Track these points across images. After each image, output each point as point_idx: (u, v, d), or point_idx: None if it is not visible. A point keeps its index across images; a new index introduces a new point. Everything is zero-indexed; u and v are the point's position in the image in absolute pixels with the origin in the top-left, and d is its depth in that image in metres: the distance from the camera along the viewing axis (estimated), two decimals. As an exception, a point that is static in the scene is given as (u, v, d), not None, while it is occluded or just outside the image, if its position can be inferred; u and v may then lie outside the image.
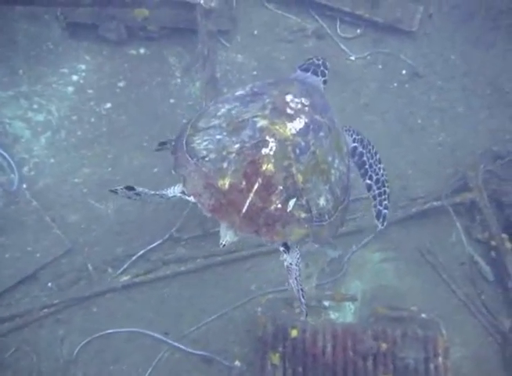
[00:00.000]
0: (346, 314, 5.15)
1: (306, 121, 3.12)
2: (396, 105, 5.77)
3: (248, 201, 3.02)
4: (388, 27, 6.04)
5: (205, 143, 3.21)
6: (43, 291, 5.00)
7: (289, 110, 3.15)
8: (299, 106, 3.18)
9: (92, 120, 5.59)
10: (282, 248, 3.27)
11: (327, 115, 3.28)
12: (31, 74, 5.62)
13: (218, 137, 3.17)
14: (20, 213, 5.12)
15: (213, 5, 5.56)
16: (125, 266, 5.11)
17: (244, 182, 3.03)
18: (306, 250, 4.84)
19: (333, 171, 3.19)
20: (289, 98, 3.21)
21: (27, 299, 4.96)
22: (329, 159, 3.17)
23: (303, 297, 3.31)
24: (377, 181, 3.73)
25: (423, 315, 4.81)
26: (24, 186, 5.24)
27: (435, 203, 5.22)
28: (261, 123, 3.10)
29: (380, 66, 5.99)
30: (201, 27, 5.54)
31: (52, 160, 5.39)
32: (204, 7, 5.53)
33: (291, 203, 3.05)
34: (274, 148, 3.02)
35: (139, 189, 3.51)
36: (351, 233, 5.23)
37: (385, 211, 3.74)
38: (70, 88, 5.66)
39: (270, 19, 6.14)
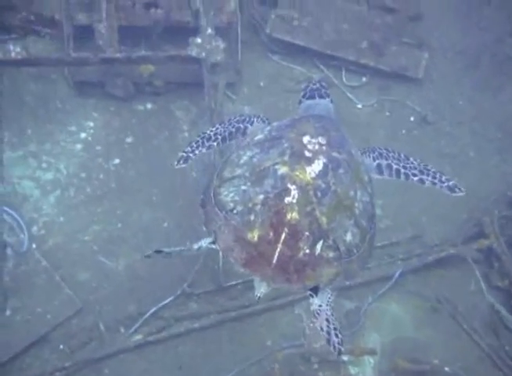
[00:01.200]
0: (366, 369, 5.00)
1: (324, 161, 3.16)
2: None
3: (277, 252, 3.04)
4: (394, 75, 6.06)
5: (231, 195, 3.24)
6: (54, 354, 4.91)
7: (307, 153, 3.18)
8: (316, 146, 3.21)
9: (101, 176, 5.58)
10: (309, 292, 3.27)
11: (345, 149, 3.32)
12: (40, 133, 5.65)
13: (243, 188, 3.21)
14: (30, 274, 5.08)
15: (218, 58, 5.60)
16: (137, 325, 5.02)
17: (272, 234, 3.05)
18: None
19: (356, 204, 3.21)
20: (306, 139, 3.24)
21: (38, 363, 4.86)
22: (352, 193, 3.20)
23: (337, 336, 3.24)
24: (421, 172, 3.71)
25: (447, 368, 4.67)
26: (34, 245, 5.20)
27: (452, 250, 5.14)
28: (282, 170, 3.13)
29: (387, 114, 5.99)
30: (207, 81, 5.56)
31: (61, 219, 5.36)
32: (210, 61, 5.58)
33: (319, 246, 3.08)
34: (296, 195, 3.06)
35: (166, 250, 3.49)
36: (366, 283, 5.14)
37: (451, 182, 3.67)
38: (79, 146, 5.68)
39: (275, 70, 6.19)
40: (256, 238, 3.08)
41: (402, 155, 3.72)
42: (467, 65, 6.17)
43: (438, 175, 3.68)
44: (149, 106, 5.94)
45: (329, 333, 3.25)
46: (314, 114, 3.72)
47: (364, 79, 6.10)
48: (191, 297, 5.16)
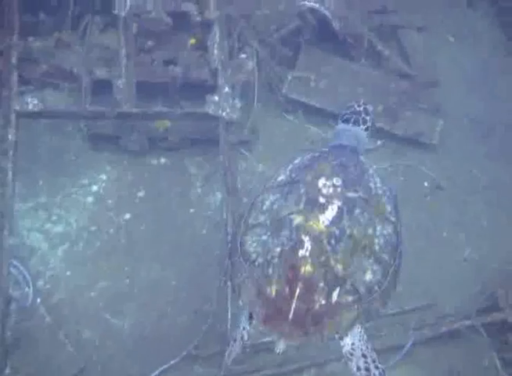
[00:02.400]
0: None
1: (339, 204, 3.17)
2: (419, 218, 5.67)
3: (293, 308, 3.03)
4: (408, 140, 6.07)
5: (254, 245, 3.26)
6: (55, 414, 4.77)
7: (321, 199, 3.19)
8: (331, 190, 3.21)
9: (111, 231, 5.52)
10: (336, 336, 3.22)
11: (362, 185, 3.31)
12: (51, 184, 5.62)
13: (264, 238, 3.23)
14: (34, 329, 4.95)
15: (235, 117, 5.62)
16: (140, 387, 4.87)
17: (287, 289, 3.05)
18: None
19: (376, 241, 3.20)
20: (321, 183, 3.24)
21: None
22: (370, 232, 3.20)
23: (377, 367, 3.24)
24: None
25: None
26: (39, 300, 5.09)
27: (466, 322, 5.02)
28: (297, 221, 3.15)
29: (401, 178, 5.96)
30: (222, 139, 5.56)
31: (68, 273, 5.27)
32: (226, 119, 5.60)
33: (335, 294, 3.07)
34: (309, 247, 3.06)
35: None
36: (377, 352, 5.00)
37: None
38: (90, 199, 5.64)
39: (290, 129, 6.20)
40: (274, 293, 3.08)
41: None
42: (482, 133, 6.18)
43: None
44: (162, 160, 5.93)
45: (367, 369, 3.23)
46: (337, 146, 3.72)
47: (379, 142, 6.10)
48: (197, 359, 5.02)
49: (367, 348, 3.27)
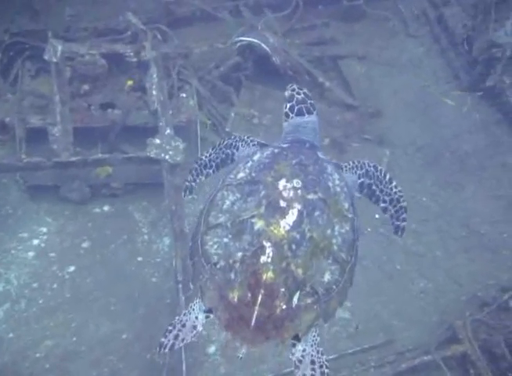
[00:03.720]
0: None
1: (299, 208, 3.14)
2: (372, 250, 5.60)
3: (255, 315, 3.00)
4: (356, 171, 6.00)
5: (215, 247, 3.20)
6: None
7: (282, 203, 3.16)
8: (291, 193, 3.18)
9: (55, 286, 5.26)
10: (292, 341, 3.17)
11: (321, 185, 3.29)
12: (-12, 241, 5.35)
13: (225, 240, 3.18)
14: (-26, 399, 4.66)
15: (178, 159, 5.48)
16: None
17: (249, 295, 3.02)
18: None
19: (334, 241, 3.20)
20: (281, 185, 3.21)
21: None
22: (329, 232, 3.19)
23: (323, 374, 3.21)
24: (391, 201, 3.69)
25: None
26: (-21, 367, 4.80)
27: (425, 357, 4.94)
28: (258, 225, 3.12)
29: (351, 211, 5.87)
30: (167, 182, 5.42)
31: (10, 335, 4.97)
32: (170, 162, 5.45)
33: (295, 298, 3.04)
34: (271, 253, 3.04)
35: (166, 341, 3.31)
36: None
37: (403, 223, 3.68)
38: (31, 253, 5.38)
39: (236, 167, 6.07)
40: (236, 299, 3.04)
41: (387, 177, 3.65)
42: (428, 161, 6.18)
43: (400, 212, 3.69)
44: (106, 208, 5.73)
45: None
46: (295, 142, 3.63)
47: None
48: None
49: (317, 352, 3.26)
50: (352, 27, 6.93)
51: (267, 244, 3.07)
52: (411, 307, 5.34)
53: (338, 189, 3.38)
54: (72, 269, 5.36)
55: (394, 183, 3.67)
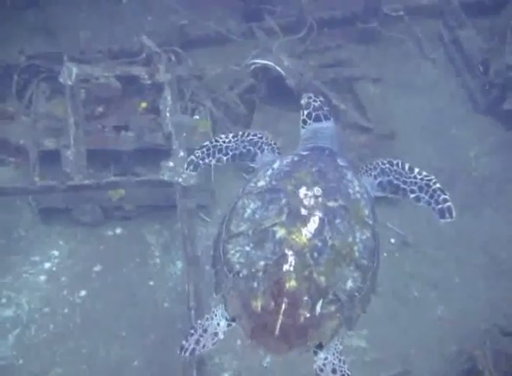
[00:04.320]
0: None
1: (320, 215, 3.16)
2: (389, 276, 5.48)
3: (279, 324, 3.01)
4: (372, 195, 5.93)
5: (238, 255, 3.23)
6: None
7: (303, 211, 3.18)
8: (312, 201, 3.21)
9: (66, 311, 5.20)
10: (313, 349, 3.19)
11: (342, 192, 3.29)
12: (0, 264, 5.30)
13: (247, 249, 3.21)
14: None
15: (192, 182, 5.42)
16: None
17: (273, 304, 3.03)
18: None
19: (356, 248, 3.21)
20: (302, 193, 3.22)
21: None
22: (350, 239, 3.20)
23: None
24: (421, 188, 3.61)
25: None
26: (-11, 394, 4.74)
27: (445, 389, 4.84)
28: (280, 233, 3.14)
29: (367, 235, 5.78)
30: (180, 205, 5.36)
31: (20, 362, 4.92)
32: (183, 185, 5.40)
33: (318, 306, 3.06)
34: (293, 262, 3.05)
35: (187, 344, 3.34)
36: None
37: (446, 204, 3.53)
38: (42, 277, 5.33)
39: (250, 190, 6.01)
40: (259, 308, 3.06)
41: (407, 167, 3.60)
42: (444, 184, 6.03)
43: (436, 195, 3.58)
44: (118, 231, 5.68)
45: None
46: (314, 150, 3.60)
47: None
48: None
49: (339, 361, 3.26)
50: (367, 48, 6.88)
51: (289, 253, 3.07)
52: (428, 336, 5.24)
53: (358, 195, 3.39)
54: (83, 293, 5.31)
55: (416, 170, 3.61)
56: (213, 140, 3.77)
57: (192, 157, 3.70)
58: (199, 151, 3.73)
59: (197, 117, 6.03)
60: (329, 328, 3.13)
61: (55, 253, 5.47)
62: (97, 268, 5.45)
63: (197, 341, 3.37)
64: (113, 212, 5.67)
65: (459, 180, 6.07)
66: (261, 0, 7.00)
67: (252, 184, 3.46)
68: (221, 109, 6.15)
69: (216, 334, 3.35)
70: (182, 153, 5.53)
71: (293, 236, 3.12)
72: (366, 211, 3.35)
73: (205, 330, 3.38)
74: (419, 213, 5.90)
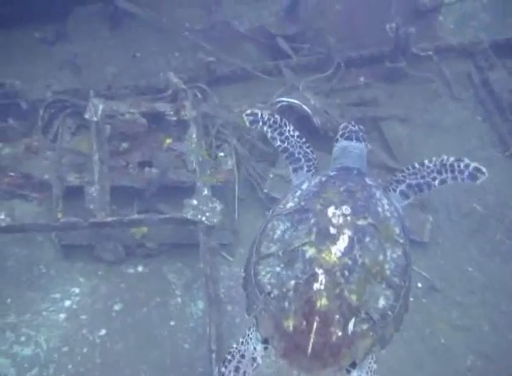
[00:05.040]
0: None
1: (350, 234, 3.20)
2: (415, 322, 5.33)
3: (311, 343, 3.05)
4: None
5: (268, 276, 3.27)
6: None
7: (332, 230, 3.22)
8: (341, 220, 3.26)
9: (85, 350, 5.09)
10: (347, 368, 3.21)
11: (370, 211, 3.35)
12: (20, 301, 5.23)
13: (278, 269, 3.25)
14: None
15: (215, 221, 5.36)
16: None
17: (304, 323, 3.07)
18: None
19: (387, 266, 3.23)
20: (331, 212, 3.28)
21: None
22: (381, 258, 3.23)
23: None
24: (439, 172, 3.71)
25: None
26: None
27: None
28: (309, 253, 3.18)
29: (393, 279, 5.65)
30: (202, 245, 5.29)
31: (37, 403, 4.83)
32: (206, 224, 5.33)
33: (351, 325, 3.09)
34: (324, 280, 3.10)
35: (227, 372, 3.40)
36: None
37: (472, 166, 3.63)
38: (62, 315, 5.24)
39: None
40: (291, 327, 3.09)
41: (416, 164, 3.75)
42: (473, 229, 5.92)
43: (456, 166, 3.67)
44: (139, 269, 5.59)
45: None
46: (342, 170, 3.71)
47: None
48: None
49: None
50: (394, 88, 6.79)
51: (319, 271, 3.11)
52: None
53: (388, 213, 3.42)
54: (103, 332, 5.21)
55: (426, 161, 3.74)
56: (283, 122, 3.94)
57: (258, 111, 3.85)
58: (267, 115, 3.88)
59: (222, 154, 6.01)
60: (362, 347, 3.14)
61: (76, 290, 5.38)
62: (117, 306, 5.35)
63: (237, 369, 3.38)
64: (135, 250, 5.60)
65: (489, 225, 5.93)
66: (289, 38, 6.97)
67: (281, 206, 3.53)
68: (247, 146, 6.12)
69: (254, 359, 3.37)
70: (205, 191, 5.49)
71: (323, 255, 3.15)
72: (397, 230, 3.38)
73: (243, 356, 3.39)
74: (446, 256, 5.81)
